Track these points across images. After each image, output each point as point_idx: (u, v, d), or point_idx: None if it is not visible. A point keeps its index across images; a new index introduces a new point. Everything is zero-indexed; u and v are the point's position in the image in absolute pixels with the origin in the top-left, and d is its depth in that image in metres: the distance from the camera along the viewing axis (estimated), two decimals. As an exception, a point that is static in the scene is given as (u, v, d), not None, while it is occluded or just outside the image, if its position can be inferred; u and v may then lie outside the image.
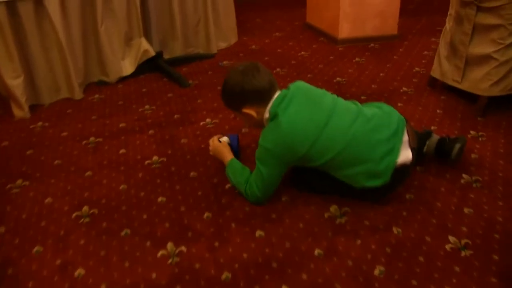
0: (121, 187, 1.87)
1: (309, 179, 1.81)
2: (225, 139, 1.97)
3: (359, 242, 1.55)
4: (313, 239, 1.57)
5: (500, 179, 1.87)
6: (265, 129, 1.68)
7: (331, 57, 3.26)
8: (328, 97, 1.72)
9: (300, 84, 1.75)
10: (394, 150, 1.64)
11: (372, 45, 3.47)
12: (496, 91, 2.31)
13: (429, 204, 1.72)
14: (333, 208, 1.72)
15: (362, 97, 2.61)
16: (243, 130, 2.29)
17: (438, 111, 2.44)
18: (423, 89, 2.70)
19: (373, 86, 2.76)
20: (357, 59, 3.21)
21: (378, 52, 3.32)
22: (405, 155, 1.67)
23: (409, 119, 2.27)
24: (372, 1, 3.38)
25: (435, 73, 2.66)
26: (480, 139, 2.16)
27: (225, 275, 1.44)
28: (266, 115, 1.68)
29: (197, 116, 2.47)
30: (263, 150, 1.67)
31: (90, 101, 2.73)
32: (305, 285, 1.39)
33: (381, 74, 2.93)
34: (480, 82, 2.34)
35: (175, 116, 2.47)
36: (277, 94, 1.68)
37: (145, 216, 1.69)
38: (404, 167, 1.66)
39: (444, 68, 2.57)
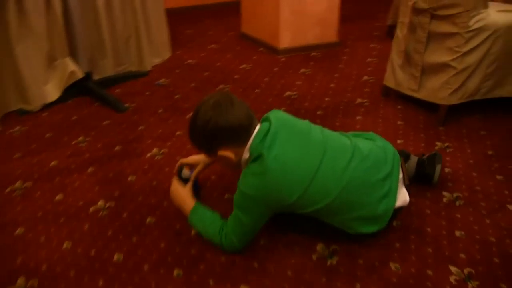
0: (65, 245, 1.53)
1: (293, 221, 1.60)
2: (186, 173, 1.71)
3: (358, 286, 1.36)
4: (307, 288, 1.36)
5: (480, 193, 1.78)
6: (246, 172, 1.41)
7: (275, 69, 3.09)
8: (316, 131, 1.50)
9: (280, 114, 1.52)
10: (392, 192, 1.47)
11: (314, 53, 3.35)
12: (455, 100, 2.26)
13: (419, 231, 1.58)
14: (320, 247, 1.51)
15: (318, 112, 2.45)
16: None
17: (398, 122, 2.34)
18: (378, 99, 2.60)
19: (326, 99, 2.62)
20: (302, 70, 3.07)
21: (322, 61, 3.20)
22: (403, 197, 1.51)
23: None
24: (313, 9, 3.27)
25: (389, 82, 2.58)
26: (447, 150, 2.08)
27: None
28: (246, 155, 1.43)
29: (141, 146, 2.17)
30: (243, 197, 1.41)
31: (10, 135, 2.31)
32: None
33: (331, 85, 2.80)
34: (438, 91, 2.28)
35: (116, 148, 2.15)
36: (256, 129, 1.44)
37: (101, 283, 1.38)
38: (399, 209, 1.52)
39: (398, 77, 2.49)
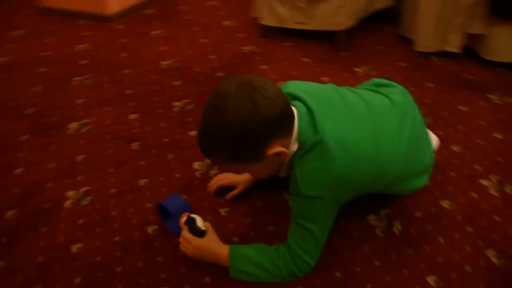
0: None
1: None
2: (201, 224, 1.28)
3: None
4: None
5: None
6: (303, 170, 1.10)
7: (123, 40, 2.53)
8: (348, 93, 1.25)
9: (300, 84, 1.22)
10: (427, 135, 1.37)
11: (149, 12, 2.85)
12: (351, 22, 2.24)
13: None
14: (373, 219, 1.37)
15: (218, 74, 2.14)
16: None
17: (304, 60, 2.22)
18: (264, 42, 2.41)
19: (211, 57, 2.29)
20: (154, 32, 2.59)
21: (167, 18, 2.75)
22: (434, 138, 1.42)
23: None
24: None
25: (268, 20, 2.39)
26: (370, 73, 2.09)
27: None
28: (294, 147, 1.11)
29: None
30: (310, 202, 1.12)
31: None
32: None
33: (201, 41, 2.45)
34: (333, 17, 2.21)
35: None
36: (294, 110, 1.13)
37: None
38: None
39: (280, 13, 2.32)
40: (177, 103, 1.96)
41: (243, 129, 1.00)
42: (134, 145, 1.75)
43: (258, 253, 1.22)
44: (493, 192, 1.46)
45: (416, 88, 1.94)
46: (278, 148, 1.06)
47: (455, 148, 1.62)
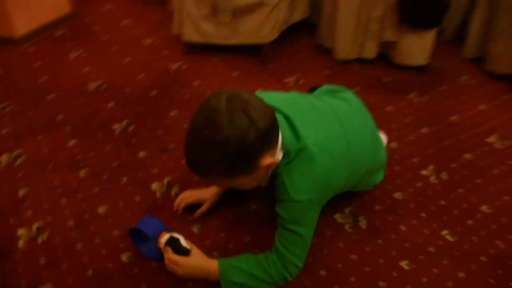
0: None
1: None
2: (181, 239, 1.26)
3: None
4: None
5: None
6: (291, 177, 1.15)
7: (37, 64, 2.35)
8: (315, 100, 1.33)
9: (272, 94, 1.27)
10: (377, 132, 1.50)
11: (59, 33, 2.68)
12: (275, 34, 2.34)
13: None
14: (341, 217, 1.47)
15: (152, 93, 2.10)
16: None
17: (234, 74, 2.28)
18: (190, 59, 2.40)
19: (141, 75, 2.24)
20: (72, 54, 2.44)
21: (81, 38, 2.60)
22: (382, 135, 1.56)
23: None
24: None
25: (193, 37, 2.40)
26: (300, 82, 2.21)
27: None
28: (279, 156, 1.16)
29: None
30: (299, 207, 1.17)
31: None
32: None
33: (126, 60, 2.38)
34: (258, 30, 2.30)
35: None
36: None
37: None
38: None
39: (205, 29, 2.35)
40: (116, 125, 1.89)
41: (241, 144, 1.02)
42: (82, 173, 1.65)
43: (248, 263, 1.24)
44: (433, 180, 1.64)
45: (343, 93, 2.11)
46: (270, 159, 1.10)
47: (393, 145, 1.79)
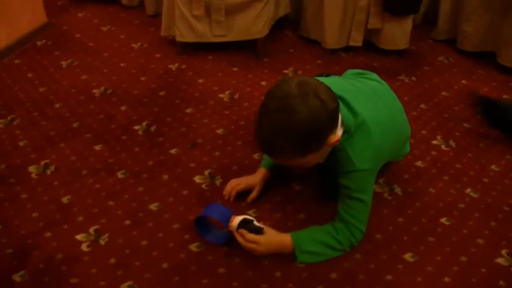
0: None
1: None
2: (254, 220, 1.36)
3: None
4: None
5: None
6: (354, 149, 1.28)
7: (30, 75, 2.28)
8: (353, 81, 1.48)
9: (320, 79, 1.38)
10: None
11: (39, 43, 2.60)
12: (267, 30, 2.45)
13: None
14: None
15: (160, 97, 2.13)
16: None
17: (234, 69, 2.36)
18: (187, 59, 2.43)
19: (142, 78, 2.25)
20: (65, 62, 2.38)
21: (68, 46, 2.52)
22: None
23: (243, 93, 2.20)
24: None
25: (187, 37, 2.43)
26: (297, 72, 2.33)
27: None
28: (340, 132, 1.26)
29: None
30: (363, 176, 1.31)
31: None
32: None
33: (122, 64, 2.38)
34: (251, 26, 2.39)
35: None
36: None
37: None
38: None
39: (198, 29, 2.40)
40: (137, 127, 1.91)
41: (316, 124, 1.14)
42: (119, 175, 1.67)
43: (318, 233, 1.35)
44: (444, 148, 1.83)
45: (339, 79, 2.26)
46: (337, 136, 1.22)
47: (401, 120, 1.97)
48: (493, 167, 1.74)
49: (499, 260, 1.38)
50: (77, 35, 2.69)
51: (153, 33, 2.67)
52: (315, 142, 1.19)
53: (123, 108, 2.04)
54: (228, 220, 1.35)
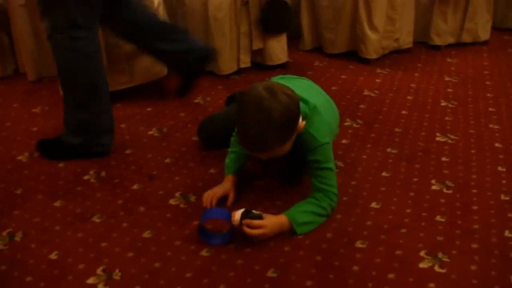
0: None
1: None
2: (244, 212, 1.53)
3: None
4: None
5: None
6: (313, 128, 1.56)
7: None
8: (290, 79, 1.81)
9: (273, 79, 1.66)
10: None
11: None
12: (167, 69, 2.63)
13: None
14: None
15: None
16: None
17: (148, 109, 2.47)
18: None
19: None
20: None
21: None
22: None
23: (169, 126, 2.35)
24: None
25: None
26: (207, 98, 2.56)
27: None
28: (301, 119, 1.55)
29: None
30: (327, 148, 1.61)
31: None
32: None
33: (18, 138, 2.32)
34: (151, 68, 2.56)
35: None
36: None
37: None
38: None
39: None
40: (86, 177, 1.92)
41: (291, 115, 1.43)
42: (96, 219, 1.68)
43: (306, 205, 1.60)
44: (355, 125, 2.24)
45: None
46: (302, 123, 1.52)
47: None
48: (471, 131, 2.20)
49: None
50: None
51: (48, 96, 2.64)
52: (292, 130, 1.46)
53: (61, 165, 2.02)
54: (229, 216, 1.50)
